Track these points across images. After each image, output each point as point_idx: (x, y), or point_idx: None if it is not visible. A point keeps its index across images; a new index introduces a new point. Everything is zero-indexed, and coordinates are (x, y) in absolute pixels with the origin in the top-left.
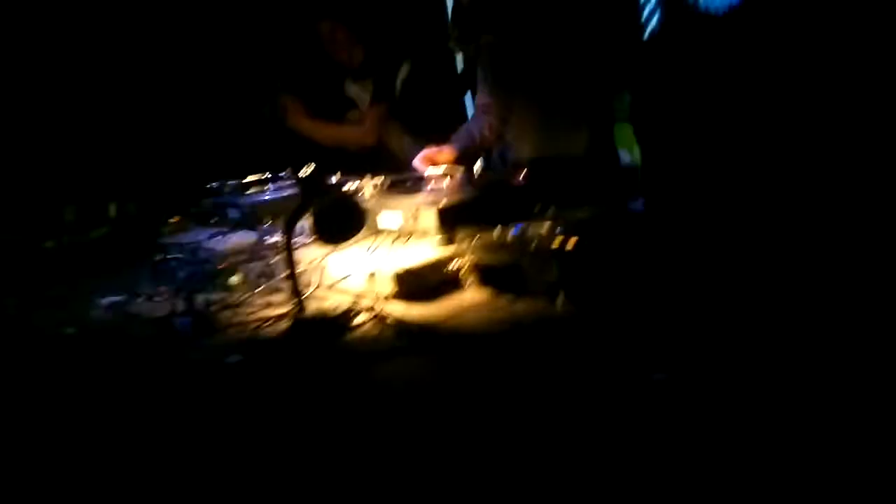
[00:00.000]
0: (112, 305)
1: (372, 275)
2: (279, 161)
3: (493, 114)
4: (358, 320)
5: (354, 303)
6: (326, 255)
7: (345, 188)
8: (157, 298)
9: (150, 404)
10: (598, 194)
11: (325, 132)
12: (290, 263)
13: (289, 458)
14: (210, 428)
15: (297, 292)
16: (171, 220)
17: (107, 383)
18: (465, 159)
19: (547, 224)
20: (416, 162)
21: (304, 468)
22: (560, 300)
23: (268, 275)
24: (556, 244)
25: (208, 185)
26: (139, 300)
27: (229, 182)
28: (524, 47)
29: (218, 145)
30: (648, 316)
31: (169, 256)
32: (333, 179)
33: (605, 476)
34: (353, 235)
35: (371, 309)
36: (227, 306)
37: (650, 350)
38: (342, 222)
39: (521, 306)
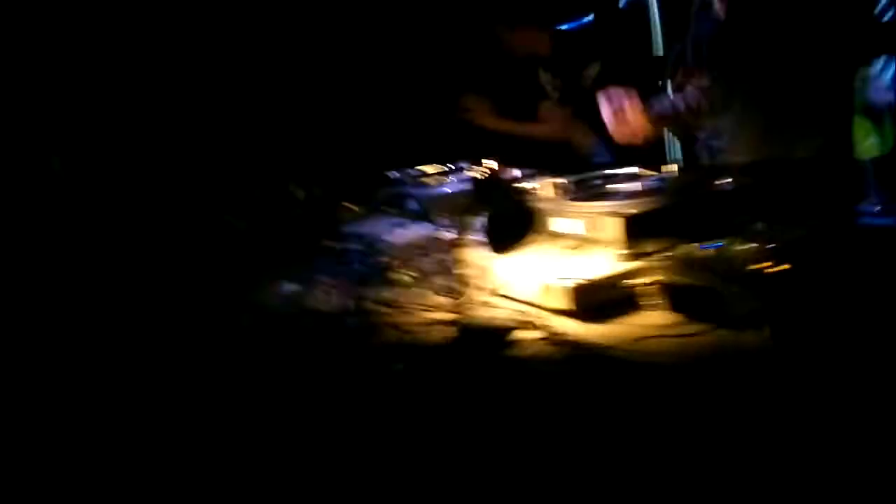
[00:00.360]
0: (289, 295)
1: (546, 286)
2: (462, 152)
3: (702, 93)
4: (527, 335)
5: (524, 315)
6: (497, 258)
7: (521, 187)
8: (332, 291)
9: (304, 407)
10: (824, 206)
11: (512, 129)
12: (459, 265)
13: (438, 472)
14: (358, 437)
15: (463, 297)
16: (352, 208)
17: (264, 383)
18: (658, 126)
19: (755, 243)
20: (609, 121)
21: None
22: (763, 334)
23: (440, 273)
24: (764, 268)
25: (388, 174)
26: (315, 291)
27: (410, 171)
28: (752, 36)
29: (400, 134)
30: (869, 362)
31: (348, 247)
32: (513, 175)
33: None
34: (521, 242)
35: (542, 325)
36: (396, 305)
37: (860, 406)
38: (513, 229)
39: (714, 338)
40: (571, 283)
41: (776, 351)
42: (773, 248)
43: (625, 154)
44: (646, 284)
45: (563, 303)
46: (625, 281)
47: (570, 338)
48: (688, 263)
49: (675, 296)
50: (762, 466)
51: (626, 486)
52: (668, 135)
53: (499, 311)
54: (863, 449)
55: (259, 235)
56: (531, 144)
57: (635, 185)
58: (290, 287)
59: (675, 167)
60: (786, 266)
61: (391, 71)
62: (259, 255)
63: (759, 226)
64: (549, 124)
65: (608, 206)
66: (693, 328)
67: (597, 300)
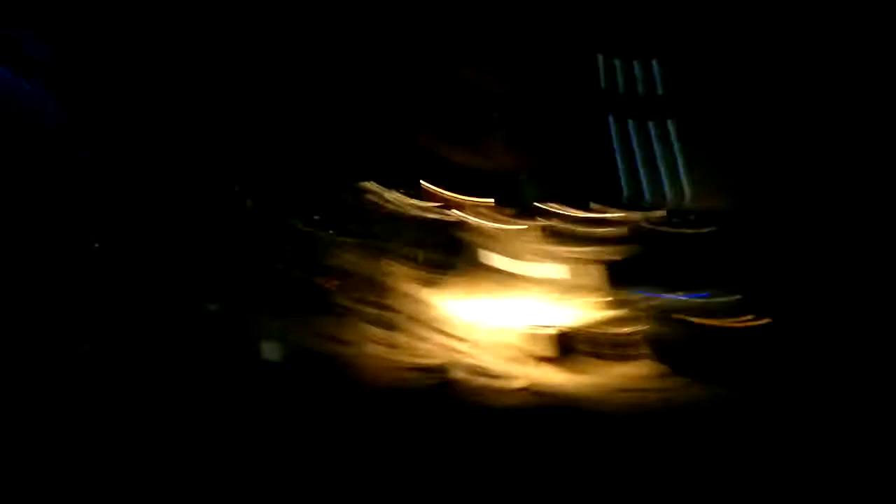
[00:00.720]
0: (210, 313)
1: (530, 333)
2: (407, 175)
3: None
4: (511, 383)
5: (507, 363)
6: (438, 291)
7: (472, 222)
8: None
9: None
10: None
11: (465, 159)
12: (391, 296)
13: None
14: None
15: (393, 331)
16: (298, 225)
17: None
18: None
19: (735, 298)
20: None
21: None
22: (741, 393)
23: (387, 306)
24: (743, 322)
25: (339, 192)
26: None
27: (363, 192)
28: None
29: (347, 152)
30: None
31: (288, 268)
32: (462, 208)
33: None
34: (470, 278)
35: (524, 375)
36: (340, 339)
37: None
38: (459, 264)
39: (700, 393)
40: (551, 330)
41: (761, 405)
42: (750, 300)
43: (568, 189)
44: (629, 334)
45: (541, 349)
46: (608, 330)
47: (552, 388)
48: (671, 313)
49: (659, 347)
50: None
51: None
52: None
53: (455, 355)
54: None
55: (200, 246)
56: (478, 174)
57: (607, 230)
58: (214, 307)
59: (640, 210)
60: (764, 320)
61: (342, 89)
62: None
63: (733, 277)
64: (498, 157)
65: (588, 251)
66: (672, 383)
67: (581, 348)
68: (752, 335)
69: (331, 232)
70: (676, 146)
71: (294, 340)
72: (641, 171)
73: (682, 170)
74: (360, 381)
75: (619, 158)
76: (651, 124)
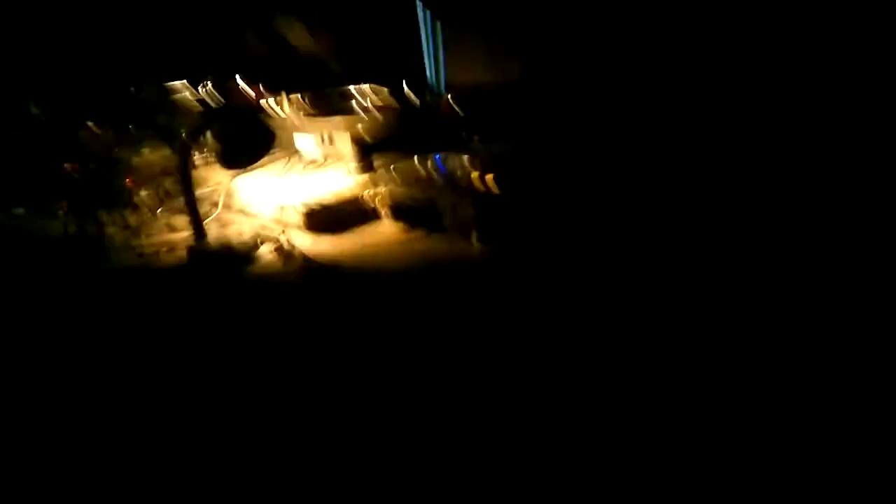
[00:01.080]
0: (16, 217)
1: (282, 207)
2: (210, 68)
3: None
4: (263, 251)
5: (259, 233)
6: (234, 176)
7: (264, 104)
8: (65, 215)
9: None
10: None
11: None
12: (187, 183)
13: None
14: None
15: (196, 217)
16: (93, 128)
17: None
18: None
19: (466, 157)
20: None
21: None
22: (475, 238)
23: (181, 192)
24: (474, 180)
25: (132, 90)
26: (45, 216)
27: (157, 87)
28: None
29: (145, 48)
30: (566, 257)
31: (85, 168)
32: (258, 93)
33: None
34: (257, 158)
35: (278, 241)
36: (128, 226)
37: (561, 293)
38: (247, 143)
39: (435, 243)
40: (305, 203)
41: (485, 254)
42: (484, 160)
43: (370, 71)
44: (374, 197)
45: (299, 219)
46: (355, 196)
47: (302, 252)
48: (412, 177)
49: (400, 208)
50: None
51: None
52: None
53: (234, 231)
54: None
55: None
56: (283, 60)
57: (365, 101)
58: (16, 209)
59: (431, 93)
60: (491, 176)
61: None
62: None
63: (474, 140)
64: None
65: (341, 122)
66: (412, 235)
67: (329, 216)
68: (492, 195)
69: (131, 129)
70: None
71: (96, 234)
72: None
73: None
74: (157, 266)
75: (424, 44)
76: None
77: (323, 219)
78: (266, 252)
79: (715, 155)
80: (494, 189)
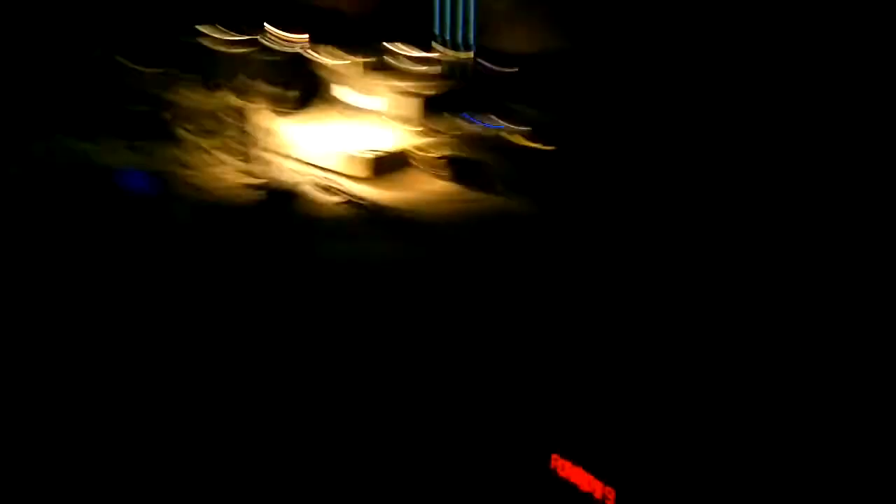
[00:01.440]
0: (77, 151)
1: (349, 155)
2: (244, 17)
3: None
4: (329, 198)
5: (323, 180)
6: (278, 119)
7: (312, 55)
8: (122, 149)
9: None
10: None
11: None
12: (251, 127)
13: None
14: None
15: (258, 159)
16: (142, 69)
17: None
18: None
19: (513, 123)
20: None
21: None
22: (527, 202)
23: (232, 135)
24: (518, 140)
25: (181, 37)
26: (105, 148)
27: (204, 34)
28: None
29: None
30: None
31: (138, 108)
32: (304, 44)
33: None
34: (303, 104)
35: (343, 190)
36: (190, 165)
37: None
38: (302, 95)
39: (488, 203)
40: (370, 154)
41: (539, 215)
42: (537, 129)
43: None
44: (435, 157)
45: (362, 171)
46: (417, 153)
47: (368, 202)
48: (469, 141)
49: (458, 168)
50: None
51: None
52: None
53: (295, 175)
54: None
55: (46, 91)
56: (317, 14)
57: (427, 67)
58: (77, 143)
59: (454, 51)
60: (546, 145)
61: None
62: (44, 109)
63: (527, 110)
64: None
65: (406, 85)
66: (471, 195)
67: (393, 169)
68: (539, 158)
69: (174, 72)
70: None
71: (138, 164)
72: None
73: (472, 16)
74: (202, 198)
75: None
76: None
77: (388, 169)
78: (328, 196)
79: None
80: (536, 149)
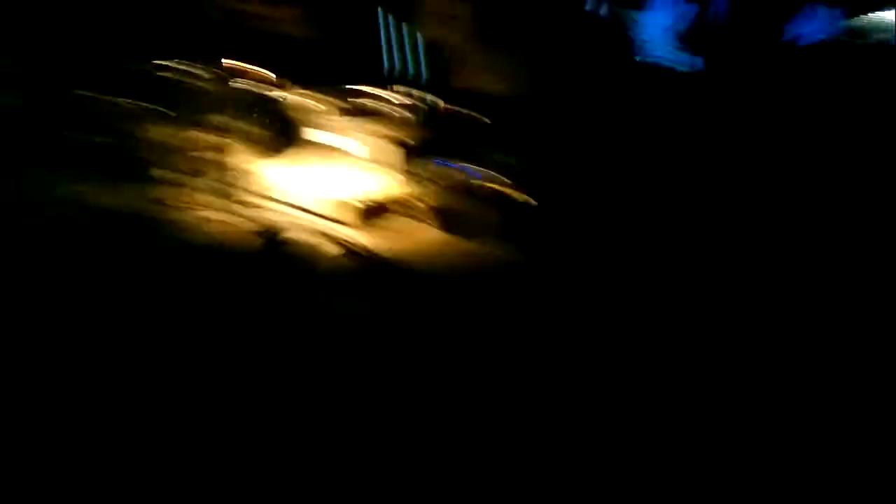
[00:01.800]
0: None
1: (341, 202)
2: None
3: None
4: (325, 246)
5: (312, 224)
6: (258, 161)
7: (281, 95)
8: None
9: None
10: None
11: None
12: (226, 166)
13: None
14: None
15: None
16: (102, 98)
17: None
18: None
19: (492, 170)
20: None
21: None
22: (508, 248)
23: (206, 173)
24: (501, 189)
25: (147, 65)
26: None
27: (168, 64)
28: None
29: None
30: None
31: (102, 140)
32: (271, 82)
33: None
34: (283, 146)
35: (336, 237)
36: (168, 203)
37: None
38: (276, 135)
39: (470, 247)
40: (361, 201)
41: (519, 261)
42: (516, 177)
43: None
44: (423, 205)
45: (352, 217)
46: (403, 200)
47: (363, 251)
48: (450, 185)
49: (447, 216)
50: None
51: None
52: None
53: (283, 219)
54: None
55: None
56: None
57: (402, 110)
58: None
59: (416, 89)
60: (530, 195)
61: None
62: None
63: (502, 156)
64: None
65: (386, 130)
66: (456, 241)
67: (381, 216)
68: (526, 208)
69: (140, 104)
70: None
71: (121, 206)
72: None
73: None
74: (189, 242)
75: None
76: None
77: (376, 215)
78: (323, 244)
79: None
80: (520, 199)
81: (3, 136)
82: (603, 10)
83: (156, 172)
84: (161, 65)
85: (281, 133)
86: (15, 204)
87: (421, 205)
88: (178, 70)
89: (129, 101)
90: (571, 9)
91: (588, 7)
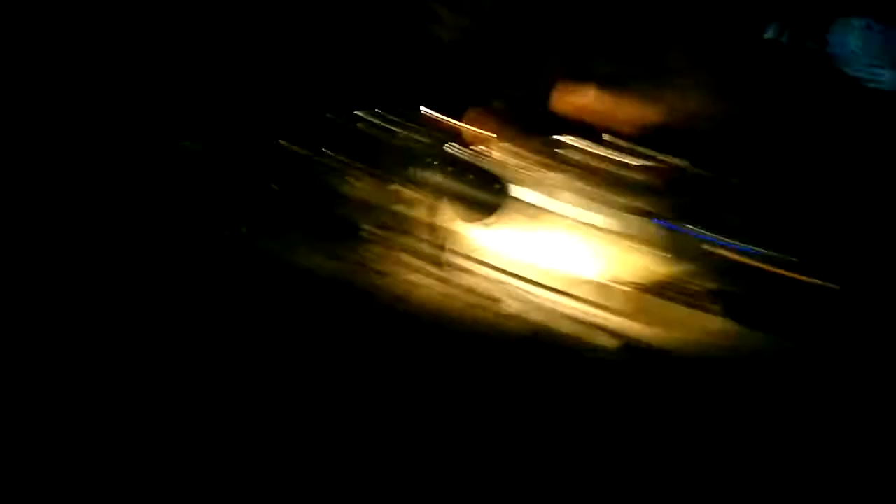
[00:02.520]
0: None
1: (604, 284)
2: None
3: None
4: (602, 341)
5: (584, 314)
6: (466, 223)
7: (491, 153)
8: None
9: None
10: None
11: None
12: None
13: None
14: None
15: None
16: (299, 150)
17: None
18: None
19: (766, 247)
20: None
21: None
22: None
23: (420, 234)
24: (787, 274)
25: (334, 117)
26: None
27: (363, 116)
28: None
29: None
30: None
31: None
32: (481, 137)
33: None
34: (493, 209)
35: (612, 330)
36: (375, 269)
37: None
38: (489, 197)
39: (766, 342)
40: (630, 283)
41: (830, 361)
42: (801, 255)
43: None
44: (696, 288)
45: (621, 302)
46: (677, 283)
47: (643, 345)
48: (722, 266)
49: (726, 301)
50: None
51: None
52: None
53: (522, 295)
54: None
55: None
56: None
57: (644, 177)
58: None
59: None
60: (824, 280)
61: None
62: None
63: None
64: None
65: (636, 203)
66: (757, 338)
67: (651, 301)
68: (818, 295)
69: (340, 159)
70: None
71: (329, 268)
72: None
73: None
74: (409, 312)
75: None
76: None
77: (646, 299)
78: (603, 341)
79: None
80: (812, 282)
81: (210, 190)
82: (784, 38)
83: (364, 233)
84: (365, 117)
85: (489, 191)
86: (219, 260)
87: (693, 286)
88: (385, 121)
89: (333, 155)
90: (752, 40)
91: (769, 35)
